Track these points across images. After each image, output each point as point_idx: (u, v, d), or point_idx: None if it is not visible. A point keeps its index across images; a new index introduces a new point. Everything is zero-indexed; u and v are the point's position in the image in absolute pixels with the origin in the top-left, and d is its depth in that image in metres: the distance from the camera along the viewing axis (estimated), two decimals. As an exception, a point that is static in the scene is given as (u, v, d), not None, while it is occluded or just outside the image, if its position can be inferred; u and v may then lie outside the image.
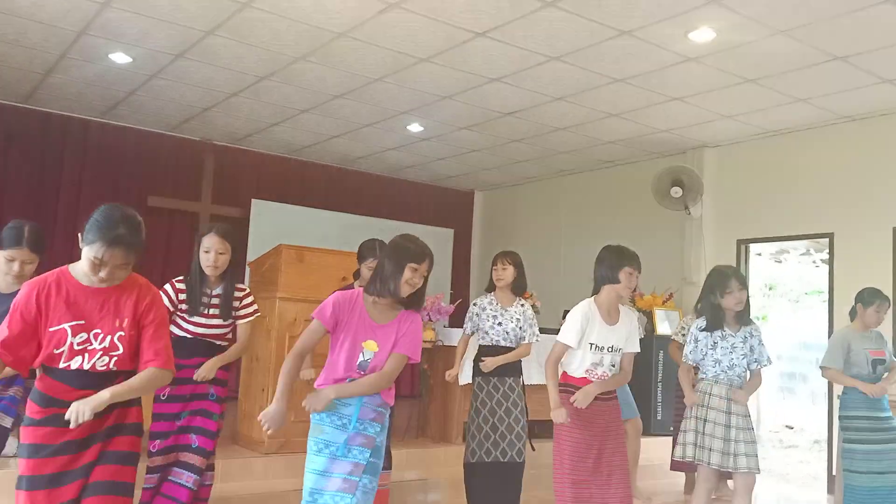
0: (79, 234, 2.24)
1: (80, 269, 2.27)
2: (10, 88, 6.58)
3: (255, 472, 4.63)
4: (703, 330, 3.69)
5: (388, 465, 3.91)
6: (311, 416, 2.62)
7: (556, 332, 6.62)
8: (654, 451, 6.21)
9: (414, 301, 2.69)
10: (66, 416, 2.11)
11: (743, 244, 7.00)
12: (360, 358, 2.60)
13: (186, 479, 3.33)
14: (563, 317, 7.42)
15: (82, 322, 2.21)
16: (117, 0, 4.63)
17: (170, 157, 7.83)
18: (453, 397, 5.57)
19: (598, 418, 3.35)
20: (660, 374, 6.69)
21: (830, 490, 5.99)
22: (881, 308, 4.48)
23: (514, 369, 4.28)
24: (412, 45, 5.11)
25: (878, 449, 4.33)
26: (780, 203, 6.65)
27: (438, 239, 9.48)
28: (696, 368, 3.86)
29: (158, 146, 7.74)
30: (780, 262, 10.26)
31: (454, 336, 5.58)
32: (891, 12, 4.28)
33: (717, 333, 3.67)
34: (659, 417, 6.63)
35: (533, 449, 4.25)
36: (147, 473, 3.33)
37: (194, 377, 3.37)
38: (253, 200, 8.20)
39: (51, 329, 2.18)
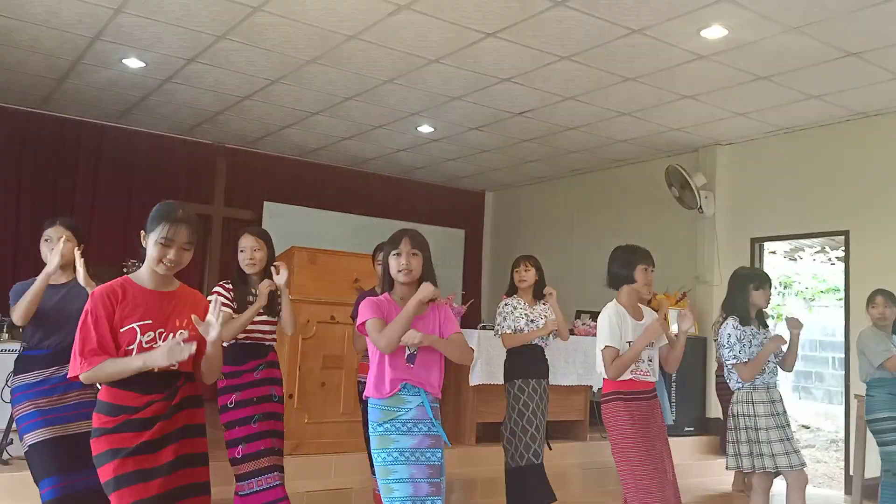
0: (140, 233, 2.38)
1: (143, 275, 2.38)
2: (26, 94, 6.65)
3: (269, 473, 4.64)
4: (740, 325, 3.68)
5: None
6: (372, 428, 2.64)
7: (570, 333, 6.62)
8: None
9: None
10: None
11: (757, 242, 6.95)
12: (408, 351, 2.65)
13: (277, 478, 3.40)
14: (576, 317, 7.42)
15: (149, 322, 2.32)
16: (130, 6, 4.67)
17: (183, 161, 7.88)
18: (466, 399, 5.57)
19: (651, 418, 3.29)
20: (674, 375, 6.64)
21: (848, 490, 5.93)
22: (875, 302, 4.47)
23: (546, 371, 4.28)
24: (422, 46, 5.12)
25: None
26: (795, 201, 6.60)
27: (450, 240, 9.49)
28: (722, 379, 3.85)
29: (171, 150, 7.79)
30: (794, 259, 10.18)
31: (466, 336, 5.55)
32: (905, 7, 4.24)
33: (748, 333, 3.67)
34: (673, 418, 6.59)
35: (549, 448, 4.24)
36: (239, 481, 3.36)
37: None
38: (265, 203, 8.24)
39: (122, 329, 2.29)
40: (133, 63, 5.68)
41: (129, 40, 5.23)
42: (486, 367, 5.30)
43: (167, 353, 2.20)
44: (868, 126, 6.17)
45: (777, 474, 3.76)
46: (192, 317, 2.30)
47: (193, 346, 2.24)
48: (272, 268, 3.49)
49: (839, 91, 5.65)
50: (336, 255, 5.19)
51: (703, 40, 4.80)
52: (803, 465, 3.62)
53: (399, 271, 2.68)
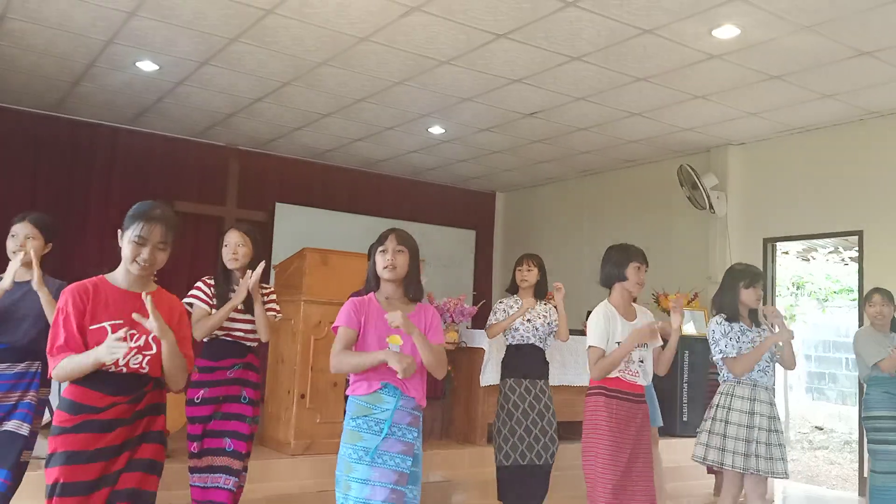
0: (118, 231, 2.34)
1: (118, 275, 2.36)
2: (40, 97, 6.72)
3: (281, 473, 4.68)
4: (726, 321, 3.64)
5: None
6: (346, 422, 2.63)
7: (581, 332, 6.61)
8: (682, 452, 6.14)
9: (413, 289, 2.71)
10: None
11: (769, 242, 6.91)
12: (393, 349, 2.63)
13: (224, 482, 3.36)
14: (587, 317, 7.39)
15: (120, 322, 2.27)
16: (143, 9, 4.71)
17: (195, 163, 7.94)
18: (477, 399, 5.58)
19: (632, 422, 3.28)
20: (685, 375, 6.62)
21: (862, 492, 5.89)
22: (872, 300, 4.46)
23: (543, 371, 4.27)
24: (433, 47, 5.13)
25: None
26: (808, 201, 6.56)
27: (460, 240, 9.49)
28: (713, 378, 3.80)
29: (184, 152, 7.85)
30: (807, 260, 10.11)
31: (477, 337, 5.58)
32: (919, 6, 4.21)
33: (737, 329, 3.63)
34: (685, 419, 6.57)
35: (544, 453, 4.24)
36: (191, 473, 3.39)
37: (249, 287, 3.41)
38: (277, 204, 8.29)
39: (91, 327, 2.25)
40: (147, 66, 5.73)
41: (143, 43, 5.28)
42: (497, 368, 5.30)
43: (106, 348, 2.14)
44: (881, 125, 6.13)
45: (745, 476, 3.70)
46: (133, 315, 2.23)
47: (137, 341, 2.18)
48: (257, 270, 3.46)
49: (852, 90, 5.61)
50: (348, 255, 5.21)
51: (715, 40, 4.79)
52: (758, 472, 3.48)
53: (384, 268, 2.65)
